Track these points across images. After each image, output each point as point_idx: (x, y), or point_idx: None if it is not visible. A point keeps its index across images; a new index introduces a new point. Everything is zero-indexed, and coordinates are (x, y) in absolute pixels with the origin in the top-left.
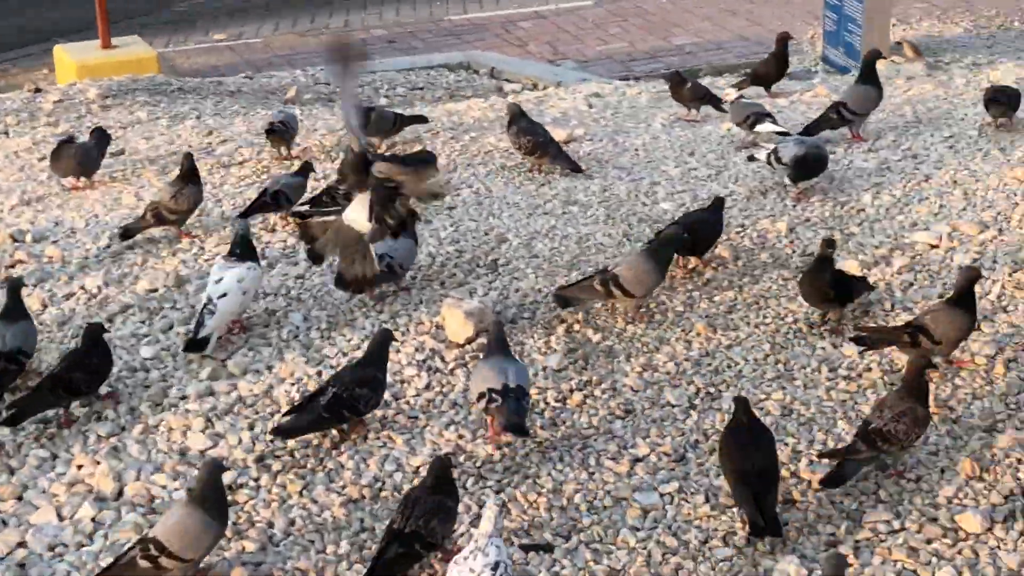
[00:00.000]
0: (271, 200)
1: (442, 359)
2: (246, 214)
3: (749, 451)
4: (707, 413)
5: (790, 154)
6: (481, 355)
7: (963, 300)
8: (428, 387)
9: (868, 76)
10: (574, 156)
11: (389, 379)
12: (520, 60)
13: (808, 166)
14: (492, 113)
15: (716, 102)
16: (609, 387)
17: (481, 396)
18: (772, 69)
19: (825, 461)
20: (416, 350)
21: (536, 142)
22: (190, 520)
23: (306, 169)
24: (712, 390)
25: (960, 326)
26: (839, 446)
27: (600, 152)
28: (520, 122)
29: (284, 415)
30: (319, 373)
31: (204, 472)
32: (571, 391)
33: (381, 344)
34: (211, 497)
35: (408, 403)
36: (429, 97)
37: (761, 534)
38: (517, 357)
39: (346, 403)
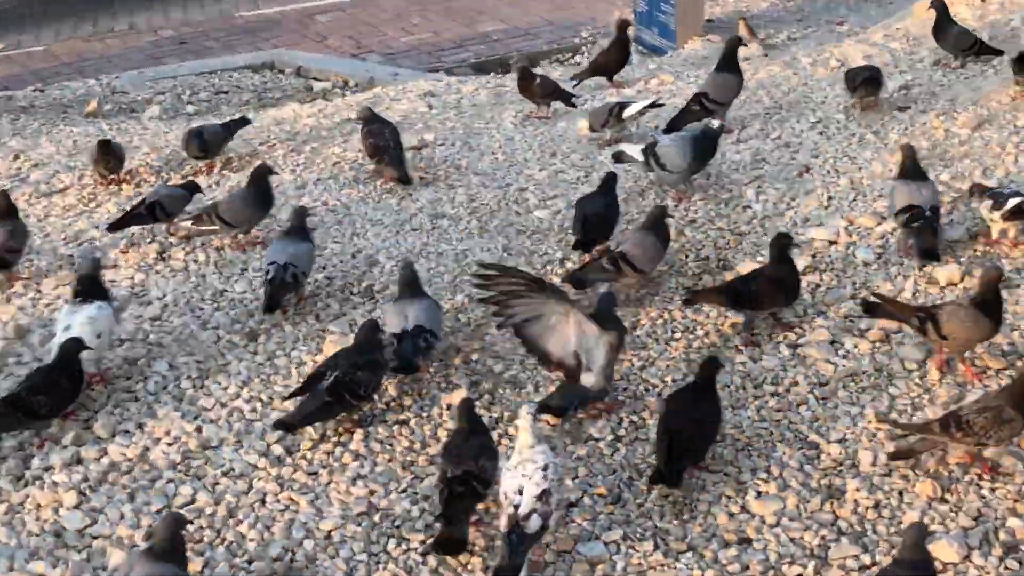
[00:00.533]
0: (146, 211)
1: None
2: (117, 226)
3: (683, 408)
4: (635, 445)
5: (678, 161)
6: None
7: (984, 301)
8: (324, 438)
9: (728, 64)
10: (430, 163)
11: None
12: (328, 57)
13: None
14: (325, 119)
15: (566, 97)
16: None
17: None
18: (614, 58)
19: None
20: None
21: (376, 145)
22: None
23: (192, 185)
24: (635, 418)
25: (974, 328)
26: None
27: (457, 157)
28: (371, 124)
29: (288, 397)
30: (199, 429)
31: (165, 525)
32: None
33: (370, 332)
34: (176, 547)
35: (305, 458)
36: (236, 101)
37: (659, 482)
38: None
39: (347, 386)
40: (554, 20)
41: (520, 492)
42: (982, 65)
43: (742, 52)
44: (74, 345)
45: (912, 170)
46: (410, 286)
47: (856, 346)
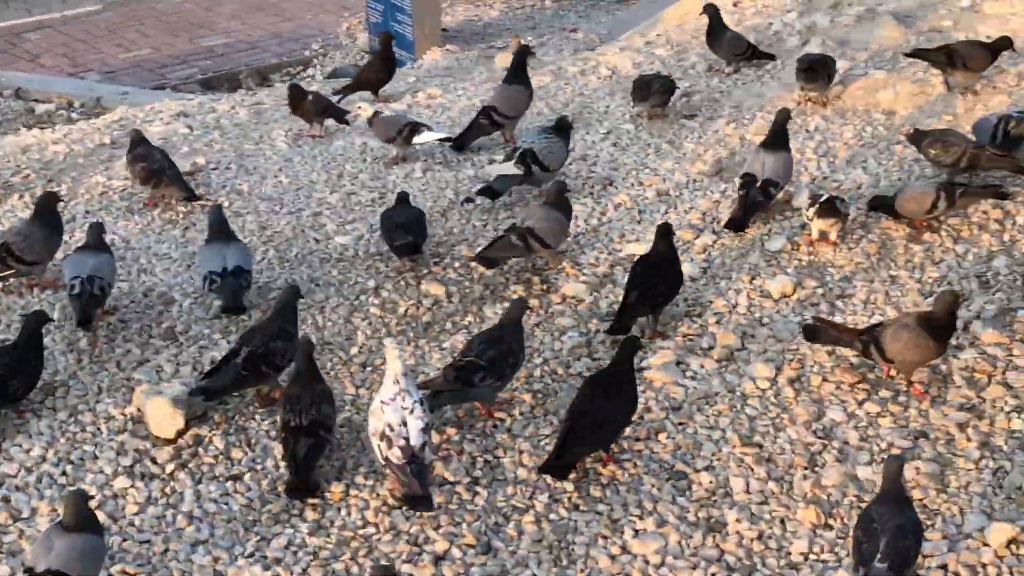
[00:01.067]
0: None
1: (154, 461)
2: None
3: (590, 397)
4: (495, 487)
5: (562, 156)
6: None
7: (934, 322)
8: (151, 500)
9: (517, 75)
10: (208, 189)
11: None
12: (48, 77)
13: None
14: (77, 146)
15: (339, 115)
16: (369, 470)
17: (205, 279)
18: (379, 72)
19: None
20: (117, 453)
21: (150, 169)
22: (84, 544)
23: None
24: (489, 458)
25: (920, 349)
26: None
27: (236, 182)
28: (138, 148)
29: (203, 377)
30: (5, 499)
31: (72, 501)
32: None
33: (290, 299)
34: (89, 518)
35: (133, 525)
36: None
37: (544, 472)
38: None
39: (262, 358)
40: (281, 33)
41: (404, 424)
42: (756, 70)
43: (499, 62)
44: (41, 319)
45: (770, 140)
46: (220, 228)
47: (702, 366)
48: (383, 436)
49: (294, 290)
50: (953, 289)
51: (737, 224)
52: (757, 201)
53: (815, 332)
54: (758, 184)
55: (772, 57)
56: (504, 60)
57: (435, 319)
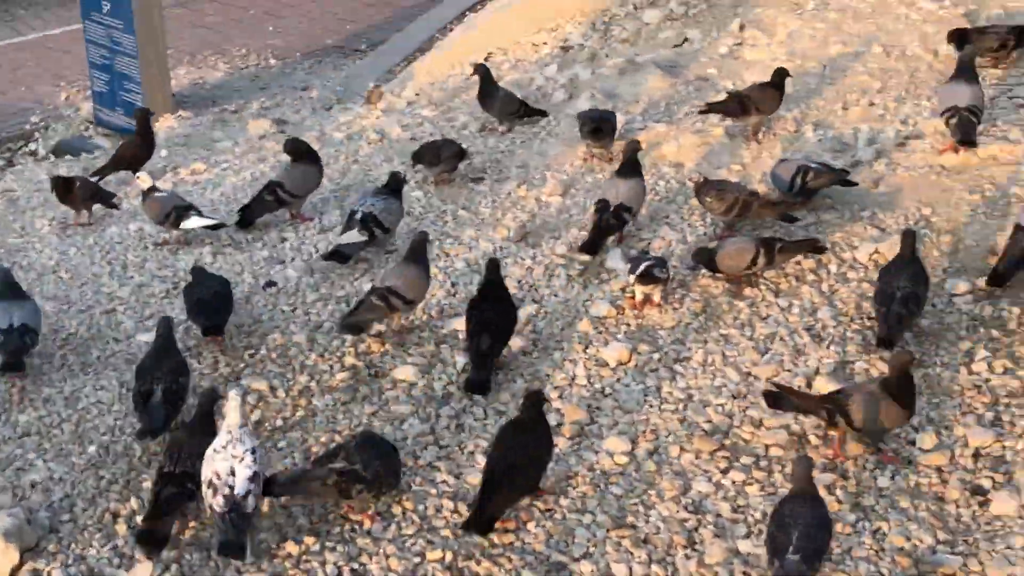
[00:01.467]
0: None
1: None
2: None
3: (508, 446)
4: None
5: (399, 215)
6: None
7: (897, 385)
8: None
9: (306, 153)
10: None
11: None
12: None
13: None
14: None
15: (107, 198)
16: None
17: None
18: (138, 149)
19: None
20: None
21: None
22: None
23: None
24: (355, 566)
25: (888, 416)
26: None
27: None
28: None
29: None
30: None
31: None
32: None
33: (168, 330)
34: None
35: None
36: None
37: (467, 528)
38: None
39: (178, 393)
40: None
41: (233, 474)
42: (531, 127)
43: (252, 128)
44: None
45: (623, 168)
46: (10, 288)
47: (556, 445)
48: (210, 484)
49: (167, 320)
50: (906, 350)
51: (590, 247)
52: (610, 224)
53: (776, 399)
54: (611, 209)
55: (544, 113)
56: (257, 127)
57: (264, 417)
